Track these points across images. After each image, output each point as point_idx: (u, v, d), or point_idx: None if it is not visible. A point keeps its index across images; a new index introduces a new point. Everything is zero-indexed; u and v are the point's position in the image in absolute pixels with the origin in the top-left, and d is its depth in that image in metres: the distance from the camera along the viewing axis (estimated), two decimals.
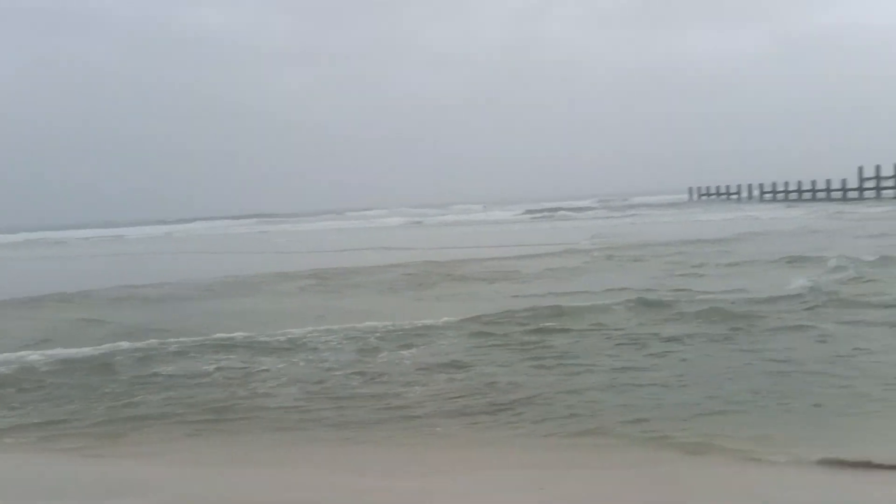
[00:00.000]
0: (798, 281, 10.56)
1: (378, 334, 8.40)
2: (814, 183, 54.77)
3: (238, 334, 8.61)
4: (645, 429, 4.97)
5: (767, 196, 59.66)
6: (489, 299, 10.60)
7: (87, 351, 8.03)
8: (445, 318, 9.06)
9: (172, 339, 8.44)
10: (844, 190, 50.92)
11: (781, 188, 58.50)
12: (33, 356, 7.85)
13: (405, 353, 7.55)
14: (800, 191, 56.20)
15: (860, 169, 49.30)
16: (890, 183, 46.66)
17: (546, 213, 53.26)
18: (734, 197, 63.93)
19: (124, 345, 8.26)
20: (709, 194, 68.10)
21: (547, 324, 8.52)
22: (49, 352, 8.02)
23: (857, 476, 4.08)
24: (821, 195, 53.29)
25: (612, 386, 6.03)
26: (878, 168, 47.76)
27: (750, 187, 62.36)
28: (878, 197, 46.85)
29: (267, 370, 7.08)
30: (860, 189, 49.17)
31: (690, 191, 70.83)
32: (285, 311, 10.61)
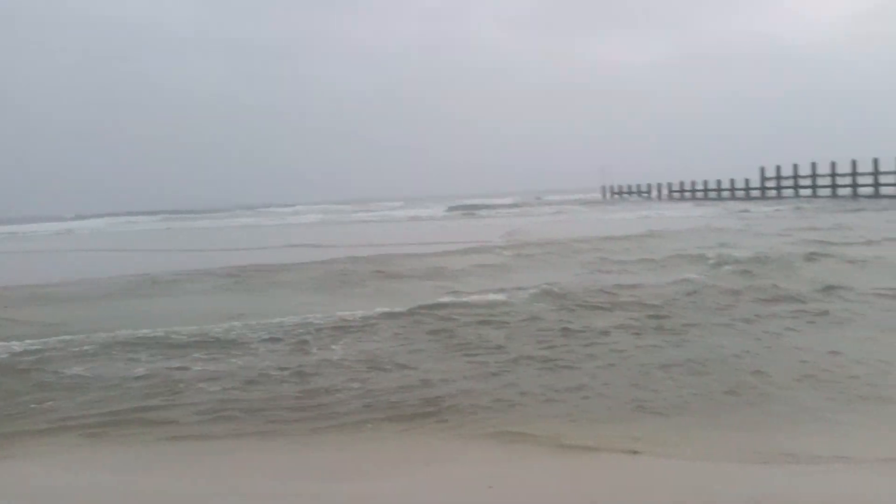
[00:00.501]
0: (689, 275, 10.93)
1: (303, 329, 8.05)
2: (719, 182, 57.39)
3: (149, 331, 8.05)
4: (580, 425, 4.88)
5: (676, 195, 62.05)
6: (418, 295, 10.36)
7: None
8: (379, 309, 8.85)
9: (81, 337, 7.83)
10: (747, 189, 53.58)
11: (689, 188, 61.01)
12: None
13: (336, 348, 7.23)
14: (706, 190, 58.75)
15: (762, 169, 52.07)
16: (789, 183, 49.44)
17: (467, 210, 53.44)
18: (645, 195, 66.16)
19: (18, 345, 7.58)
20: (621, 193, 70.20)
21: (480, 318, 8.38)
22: None
23: (781, 469, 4.10)
24: (726, 194, 55.89)
25: (543, 381, 5.92)
26: (778, 168, 50.62)
27: (659, 186, 64.77)
28: (779, 196, 49.54)
29: (184, 369, 6.59)
30: (762, 189, 51.86)
31: (603, 189, 72.82)
32: (201, 309, 10.02)
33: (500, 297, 9.70)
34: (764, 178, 51.93)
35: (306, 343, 7.39)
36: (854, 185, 43.68)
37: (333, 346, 7.24)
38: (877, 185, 42.00)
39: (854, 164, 43.79)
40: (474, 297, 9.67)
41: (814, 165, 47.44)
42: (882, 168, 41.59)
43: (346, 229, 35.19)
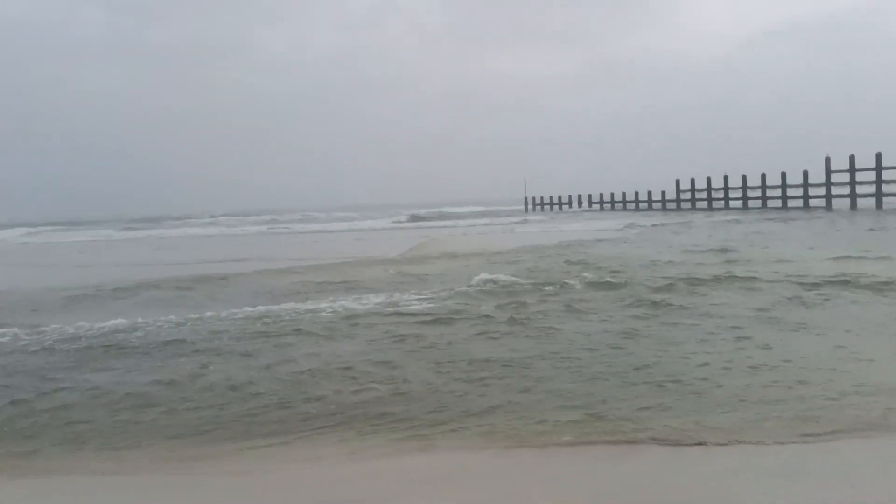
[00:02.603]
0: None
1: (232, 332, 7.42)
2: (637, 194, 59.21)
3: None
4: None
5: (595, 206, 63.56)
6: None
7: None
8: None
9: None
10: (664, 201, 55.51)
11: (608, 199, 62.65)
12: None
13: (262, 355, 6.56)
14: (624, 201, 60.45)
15: (677, 182, 54.12)
16: (703, 195, 51.50)
17: (418, 220, 52.76)
18: (566, 206, 67.43)
19: None
20: (542, 204, 71.23)
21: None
22: None
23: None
24: (643, 206, 57.70)
25: (471, 380, 5.72)
26: (692, 181, 52.65)
27: (580, 197, 66.28)
28: (693, 208, 51.49)
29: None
30: (677, 200, 53.80)
31: (525, 201, 73.69)
32: None
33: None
34: (679, 191, 53.95)
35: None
36: (763, 198, 46.18)
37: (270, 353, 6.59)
38: (784, 197, 44.52)
39: (763, 177, 46.50)
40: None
41: (726, 179, 49.78)
42: (788, 181, 44.15)
43: (254, 241, 33.65)
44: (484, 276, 11.77)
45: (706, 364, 5.95)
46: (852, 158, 40.03)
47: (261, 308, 9.70)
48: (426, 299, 9.97)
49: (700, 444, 4.15)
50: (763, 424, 4.45)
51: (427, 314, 8.83)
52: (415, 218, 55.33)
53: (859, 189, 39.81)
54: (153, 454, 4.51)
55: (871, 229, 22.69)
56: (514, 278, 11.62)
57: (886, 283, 9.71)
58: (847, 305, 8.56)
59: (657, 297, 9.40)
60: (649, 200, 57.44)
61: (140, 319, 9.04)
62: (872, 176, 39.07)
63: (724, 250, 15.95)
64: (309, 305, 9.84)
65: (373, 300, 10.12)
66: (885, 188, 38.39)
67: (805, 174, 43.37)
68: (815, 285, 9.88)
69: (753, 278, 10.78)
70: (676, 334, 7.25)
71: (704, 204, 51.24)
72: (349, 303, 9.94)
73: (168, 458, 4.43)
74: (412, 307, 9.42)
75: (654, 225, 31.76)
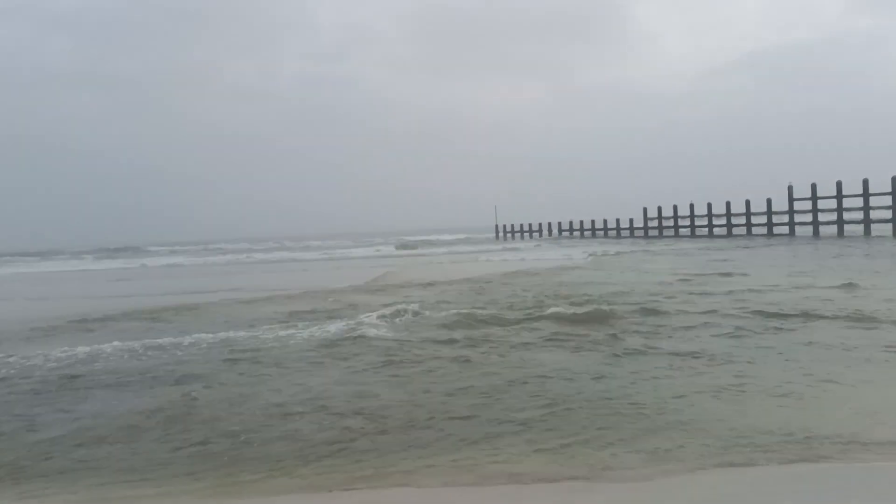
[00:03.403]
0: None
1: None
2: (605, 222, 59.76)
3: None
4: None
5: (565, 233, 63.91)
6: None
7: None
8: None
9: None
10: (632, 228, 56.10)
11: (577, 227, 63.04)
12: None
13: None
14: (594, 229, 60.89)
15: (644, 210, 54.77)
16: (670, 223, 52.13)
17: (407, 246, 52.44)
18: (536, 234, 67.71)
19: None
20: (513, 232, 71.43)
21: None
22: None
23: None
24: (612, 233, 58.21)
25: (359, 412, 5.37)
26: (659, 209, 53.34)
27: (550, 225, 66.60)
28: (661, 235, 52.06)
29: None
30: (645, 228, 54.39)
31: (497, 228, 73.85)
32: None
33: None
34: (647, 218, 54.54)
35: None
36: (728, 225, 46.87)
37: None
38: (749, 224, 45.23)
39: (728, 205, 47.24)
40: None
41: (692, 207, 50.45)
42: (752, 209, 44.90)
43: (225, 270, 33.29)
44: (400, 306, 11.40)
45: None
46: (814, 186, 40.79)
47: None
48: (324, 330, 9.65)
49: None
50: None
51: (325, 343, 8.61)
52: (404, 245, 54.89)
53: (822, 217, 40.47)
54: (98, 495, 4.12)
55: (839, 255, 22.89)
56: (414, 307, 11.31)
57: (857, 312, 9.63)
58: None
59: (579, 330, 9.04)
60: (618, 228, 57.95)
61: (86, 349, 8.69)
62: (834, 203, 39.74)
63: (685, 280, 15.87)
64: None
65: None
66: (847, 216, 39.02)
67: (769, 202, 44.09)
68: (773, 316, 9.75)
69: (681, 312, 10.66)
70: (616, 370, 7.05)
71: (671, 231, 51.79)
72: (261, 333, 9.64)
73: (110, 499, 4.04)
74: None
75: (617, 253, 31.79)
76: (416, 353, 7.86)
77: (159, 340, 9.22)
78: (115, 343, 9.09)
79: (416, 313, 10.78)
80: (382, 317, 10.52)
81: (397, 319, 10.40)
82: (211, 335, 9.54)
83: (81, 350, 8.66)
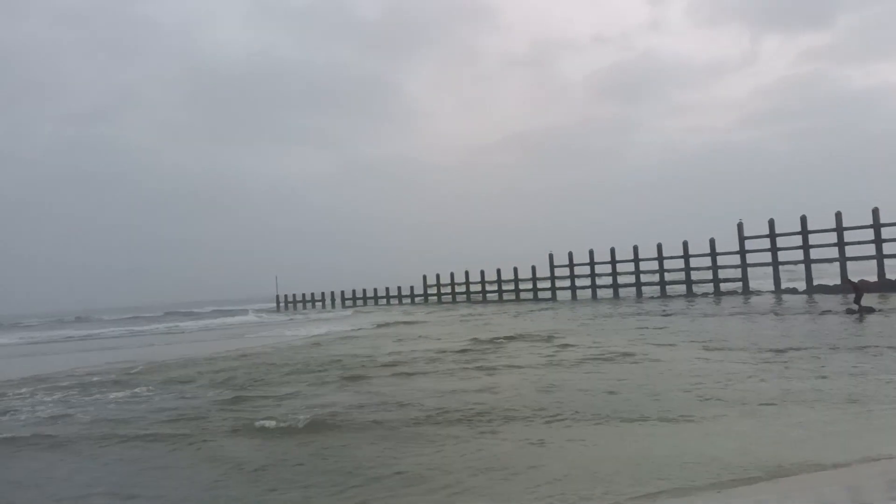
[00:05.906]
0: None
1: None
2: (388, 290, 61.03)
3: None
4: None
5: (349, 302, 63.99)
6: None
7: None
8: None
9: None
10: (412, 296, 57.86)
11: (360, 294, 63.55)
12: None
13: None
14: (376, 297, 61.78)
15: (424, 277, 56.96)
16: (449, 289, 54.72)
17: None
18: (319, 304, 67.10)
19: None
20: (295, 302, 70.14)
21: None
22: None
23: None
24: (394, 301, 59.51)
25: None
26: (437, 277, 55.98)
27: (333, 294, 66.40)
28: (439, 301, 54.37)
29: None
30: (425, 295, 56.48)
31: (277, 298, 72.04)
32: None
33: None
34: (426, 286, 56.81)
35: None
36: (516, 290, 50.42)
37: None
38: (535, 289, 48.94)
39: (516, 271, 50.78)
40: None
41: (466, 274, 53.54)
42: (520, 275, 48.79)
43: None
44: None
45: None
46: (551, 257, 45.54)
47: None
48: None
49: None
50: None
51: None
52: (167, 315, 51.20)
53: (578, 282, 45.30)
54: None
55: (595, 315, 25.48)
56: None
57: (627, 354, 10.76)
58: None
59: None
60: (399, 295, 59.37)
61: None
62: (588, 269, 44.71)
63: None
64: None
65: None
66: (598, 281, 44.02)
67: (533, 269, 48.27)
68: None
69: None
70: None
71: (463, 297, 54.30)
72: None
73: None
74: None
75: (379, 325, 31.49)
76: None
77: None
78: None
79: None
80: None
81: None
82: None
83: None
